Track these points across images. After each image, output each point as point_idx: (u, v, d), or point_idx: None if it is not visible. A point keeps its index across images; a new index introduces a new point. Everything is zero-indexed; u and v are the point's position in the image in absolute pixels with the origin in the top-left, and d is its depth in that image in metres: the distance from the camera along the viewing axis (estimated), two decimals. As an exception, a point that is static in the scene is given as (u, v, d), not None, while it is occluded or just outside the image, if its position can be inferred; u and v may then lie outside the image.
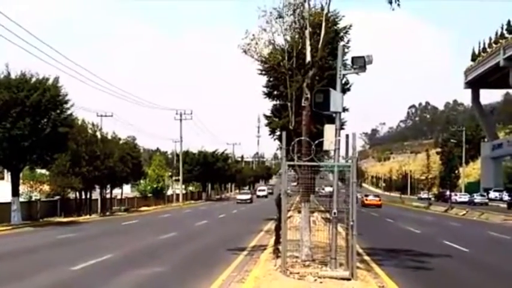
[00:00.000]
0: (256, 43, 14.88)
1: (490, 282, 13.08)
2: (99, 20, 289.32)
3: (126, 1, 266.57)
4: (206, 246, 18.94)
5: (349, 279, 10.60)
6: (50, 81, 29.22)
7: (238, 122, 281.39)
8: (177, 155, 75.81)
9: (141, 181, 61.38)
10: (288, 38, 14.95)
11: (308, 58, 12.75)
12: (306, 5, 13.23)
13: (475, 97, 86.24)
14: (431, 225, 33.03)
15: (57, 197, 38.23)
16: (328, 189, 50.42)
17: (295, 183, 24.22)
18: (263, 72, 22.66)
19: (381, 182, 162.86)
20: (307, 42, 12.80)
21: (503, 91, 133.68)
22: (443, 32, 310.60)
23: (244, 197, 69.68)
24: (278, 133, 27.45)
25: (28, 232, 25.88)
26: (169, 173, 76.31)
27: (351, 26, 23.50)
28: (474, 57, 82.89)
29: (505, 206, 55.57)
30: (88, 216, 38.38)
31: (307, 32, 12.89)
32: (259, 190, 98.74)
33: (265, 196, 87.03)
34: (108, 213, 42.32)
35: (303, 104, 12.58)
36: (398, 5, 11.59)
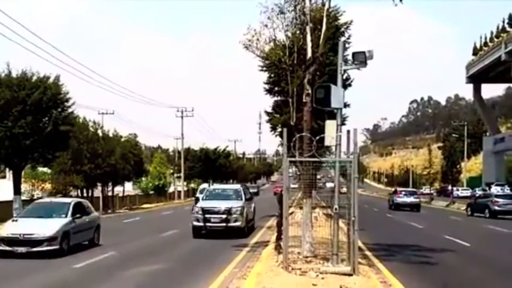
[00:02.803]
0: (258, 39, 14.90)
1: (492, 276, 13.08)
2: (100, 19, 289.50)
3: (127, 1, 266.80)
4: (208, 242, 18.94)
5: (350, 275, 10.60)
6: (51, 80, 29.15)
7: (240, 119, 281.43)
8: (179, 152, 75.85)
9: (143, 178, 61.52)
10: (289, 34, 14.95)
11: (309, 54, 12.73)
12: (307, 0, 13.21)
13: (477, 91, 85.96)
14: (433, 220, 33.06)
15: (59, 195, 38.30)
16: (329, 185, 50.35)
17: (295, 186, 23.95)
18: (264, 69, 22.66)
19: (382, 177, 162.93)
20: (308, 38, 12.78)
21: (505, 85, 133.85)
22: (445, 26, 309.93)
23: None
24: (279, 129, 27.43)
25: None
26: (171, 170, 76.34)
27: (351, 21, 23.41)
28: (476, 52, 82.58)
29: (506, 200, 55.47)
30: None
31: (308, 28, 12.87)
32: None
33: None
34: (109, 211, 42.37)
35: (304, 100, 12.56)
36: (401, 0, 11.56)
